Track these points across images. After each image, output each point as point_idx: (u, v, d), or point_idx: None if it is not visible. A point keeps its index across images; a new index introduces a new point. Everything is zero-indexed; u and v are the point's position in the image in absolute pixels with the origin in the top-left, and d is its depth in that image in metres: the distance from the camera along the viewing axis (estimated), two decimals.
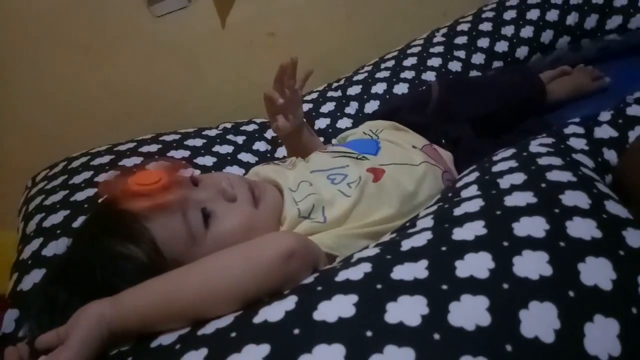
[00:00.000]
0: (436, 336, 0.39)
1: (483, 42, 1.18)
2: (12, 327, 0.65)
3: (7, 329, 0.65)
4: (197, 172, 0.90)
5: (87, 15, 1.16)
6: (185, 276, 0.48)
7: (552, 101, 1.06)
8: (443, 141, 0.87)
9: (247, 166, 0.96)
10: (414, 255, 0.48)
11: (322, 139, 1.05)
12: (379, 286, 0.44)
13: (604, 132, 0.72)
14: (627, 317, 0.41)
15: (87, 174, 0.88)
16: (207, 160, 0.94)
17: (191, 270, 0.49)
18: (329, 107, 1.11)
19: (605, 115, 0.76)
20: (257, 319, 0.43)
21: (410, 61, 1.17)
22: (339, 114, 1.09)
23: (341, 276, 0.47)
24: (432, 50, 1.19)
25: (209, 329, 0.44)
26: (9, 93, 1.18)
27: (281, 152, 0.99)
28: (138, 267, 0.53)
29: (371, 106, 1.09)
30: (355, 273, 0.47)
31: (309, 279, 0.49)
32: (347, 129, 1.05)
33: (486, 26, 1.21)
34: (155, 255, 0.54)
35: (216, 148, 0.98)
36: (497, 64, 1.17)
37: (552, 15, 1.18)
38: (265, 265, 0.47)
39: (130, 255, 0.53)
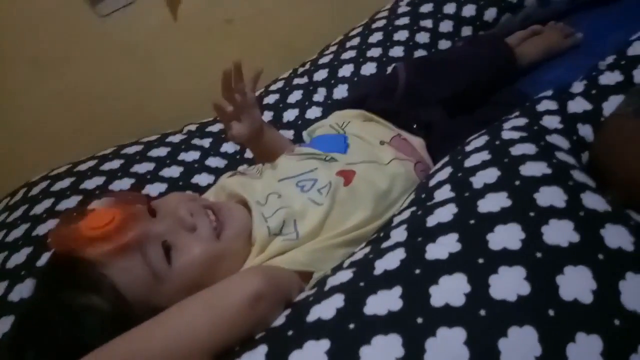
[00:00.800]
0: None
1: (449, 8, 1.13)
2: None
3: None
4: (164, 186, 0.86)
5: (29, 26, 1.08)
6: (148, 335, 0.46)
7: (525, 64, 1.03)
8: (414, 126, 0.83)
9: (216, 172, 0.92)
10: (387, 281, 0.46)
11: (292, 131, 1.01)
12: (351, 326, 0.42)
13: (577, 105, 0.69)
14: (610, 332, 0.40)
15: (47, 203, 0.84)
16: (174, 171, 0.90)
17: (154, 328, 0.46)
18: (296, 96, 1.06)
19: (578, 86, 0.73)
20: None
21: (375, 37, 1.12)
22: (307, 102, 1.05)
23: (313, 314, 0.45)
24: (397, 22, 1.13)
25: None
26: None
27: (251, 152, 0.95)
28: (102, 317, 0.50)
29: (339, 91, 1.05)
30: (328, 309, 0.44)
31: (281, 319, 0.46)
32: (316, 119, 1.01)
33: None
34: (119, 302, 0.51)
35: (182, 156, 0.94)
36: (466, 30, 1.12)
37: None
38: (231, 315, 0.45)
39: (92, 306, 0.50)
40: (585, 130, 0.66)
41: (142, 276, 0.53)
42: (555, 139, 0.63)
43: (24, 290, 0.69)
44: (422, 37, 1.10)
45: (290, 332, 0.43)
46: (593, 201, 0.50)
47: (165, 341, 0.45)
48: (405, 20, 1.13)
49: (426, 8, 1.14)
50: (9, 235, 0.80)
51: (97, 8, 1.12)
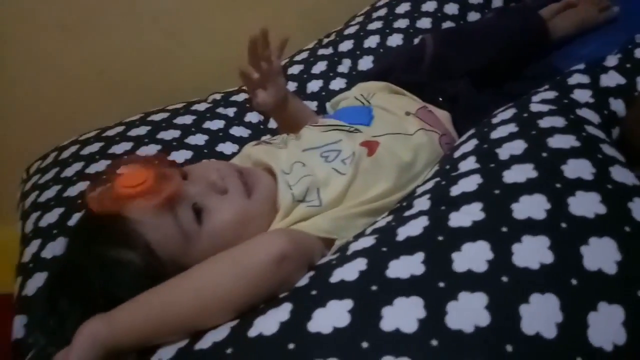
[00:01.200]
0: (434, 342, 0.38)
1: None
2: (22, 333, 0.66)
3: (17, 335, 0.66)
4: (190, 153, 0.88)
5: None
6: (178, 289, 0.48)
7: (557, 37, 1.00)
8: (440, 99, 0.82)
9: (240, 141, 0.93)
10: (410, 246, 0.47)
11: (315, 102, 1.01)
12: (374, 288, 0.43)
13: (610, 79, 0.68)
14: (632, 302, 0.40)
15: (78, 166, 0.86)
16: (199, 139, 0.91)
17: (183, 282, 0.48)
18: (320, 67, 1.06)
19: (612, 60, 0.71)
20: (252, 332, 0.42)
21: (403, 7, 1.10)
22: (331, 74, 1.04)
23: (336, 276, 0.46)
24: None
25: (206, 342, 0.44)
26: None
27: (275, 123, 0.95)
28: (135, 272, 0.52)
29: (365, 62, 1.04)
30: (350, 272, 0.45)
31: (304, 280, 0.48)
32: (340, 90, 1.00)
33: None
34: (151, 258, 0.53)
35: (207, 124, 0.95)
36: (496, 1, 1.10)
37: None
38: (257, 272, 0.46)
39: (126, 260, 0.52)
40: (617, 105, 0.65)
41: (173, 235, 0.54)
42: (585, 113, 0.62)
43: (56, 248, 0.72)
44: (451, 9, 1.08)
45: (314, 292, 0.44)
46: (622, 175, 0.50)
47: (193, 295, 0.46)
48: None
49: None
50: (41, 196, 0.83)
51: None
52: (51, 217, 0.77)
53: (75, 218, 0.75)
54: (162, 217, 0.54)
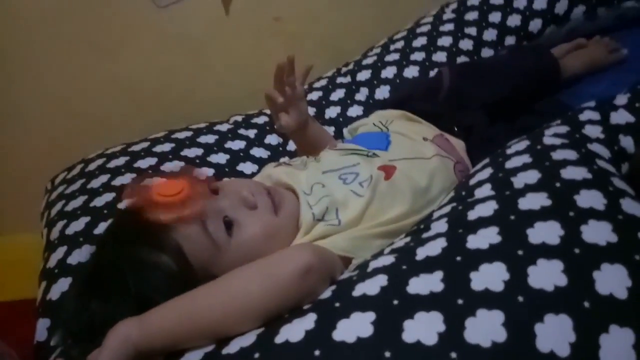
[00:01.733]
0: (453, 355, 0.40)
1: (495, 17, 1.15)
2: (45, 336, 0.68)
3: (40, 338, 0.68)
4: (211, 171, 0.91)
5: (90, 11, 1.15)
6: (208, 295, 0.50)
7: (568, 76, 1.04)
8: (455, 129, 0.86)
9: (259, 162, 0.96)
10: (429, 265, 0.49)
11: (333, 128, 1.05)
12: (395, 302, 0.45)
13: (620, 117, 0.70)
14: None
15: (104, 178, 0.90)
16: (220, 158, 0.95)
17: (214, 289, 0.51)
18: (338, 94, 1.10)
19: (621, 99, 0.74)
20: (279, 339, 0.44)
21: (419, 41, 1.14)
22: (349, 101, 1.08)
23: (358, 290, 0.48)
24: (441, 28, 1.15)
25: (233, 347, 0.46)
26: (18, 94, 1.19)
27: (293, 145, 0.99)
28: (169, 275, 0.54)
29: (382, 92, 1.08)
30: (372, 287, 0.48)
31: (327, 293, 0.50)
32: (357, 117, 1.04)
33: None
34: (183, 264, 0.56)
35: (228, 144, 0.99)
36: (509, 39, 1.14)
37: None
38: (284, 283, 0.49)
39: (161, 263, 0.55)
40: (627, 142, 0.67)
41: (205, 244, 0.57)
42: (596, 148, 0.65)
43: (81, 254, 0.75)
44: (466, 44, 1.12)
45: (337, 304, 0.47)
46: (632, 207, 0.52)
47: (221, 302, 0.49)
48: (449, 27, 1.15)
49: (471, 16, 1.16)
50: (67, 205, 0.86)
51: (155, 0, 1.18)
52: (77, 225, 0.80)
53: (102, 227, 0.78)
54: (195, 226, 0.57)
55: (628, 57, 1.05)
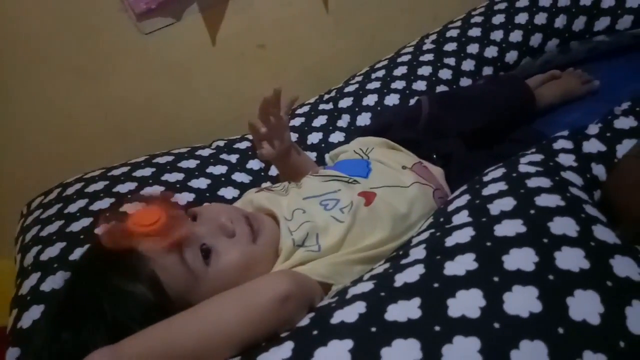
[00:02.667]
0: None
1: (472, 48, 1.19)
2: None
3: None
4: (192, 196, 0.91)
5: (76, 36, 1.15)
6: (184, 323, 0.49)
7: (542, 106, 1.07)
8: (434, 157, 0.87)
9: (241, 187, 0.96)
10: (407, 292, 0.49)
11: (315, 154, 1.06)
12: (373, 329, 0.45)
13: (592, 146, 0.73)
14: (615, 352, 0.42)
15: (82, 202, 0.88)
16: (201, 183, 0.95)
17: (190, 317, 0.50)
18: (321, 120, 1.11)
19: (593, 128, 0.76)
20: None
21: (400, 70, 1.17)
22: (331, 127, 1.09)
23: (336, 317, 0.48)
24: (422, 58, 1.19)
25: None
26: (3, 116, 1.18)
27: (275, 170, 0.99)
28: (144, 305, 0.53)
29: (363, 119, 1.10)
30: (350, 314, 0.48)
31: (305, 320, 0.50)
32: (339, 143, 1.05)
33: (475, 32, 1.21)
34: (160, 293, 0.55)
35: (210, 169, 0.99)
36: (487, 69, 1.18)
37: (541, 18, 1.18)
38: (262, 311, 0.48)
39: (137, 293, 0.54)
40: (599, 170, 0.69)
41: (182, 274, 0.57)
42: (569, 176, 0.66)
43: (55, 281, 0.73)
44: (445, 74, 1.15)
45: (315, 332, 0.46)
46: (603, 234, 0.53)
47: (198, 330, 0.48)
48: (429, 57, 1.18)
49: (450, 47, 1.20)
50: (43, 230, 0.85)
51: (142, 25, 1.19)
52: (53, 251, 0.79)
53: (77, 253, 0.77)
54: (172, 256, 0.56)
55: (600, 88, 1.09)
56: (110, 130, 1.26)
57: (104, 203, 0.87)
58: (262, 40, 1.32)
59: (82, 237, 0.80)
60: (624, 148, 0.71)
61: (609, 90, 1.08)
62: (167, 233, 0.55)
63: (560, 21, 1.17)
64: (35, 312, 0.70)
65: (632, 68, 1.10)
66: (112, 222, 0.57)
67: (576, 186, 0.64)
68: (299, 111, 1.16)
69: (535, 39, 1.18)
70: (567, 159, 0.70)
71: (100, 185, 0.93)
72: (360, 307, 0.48)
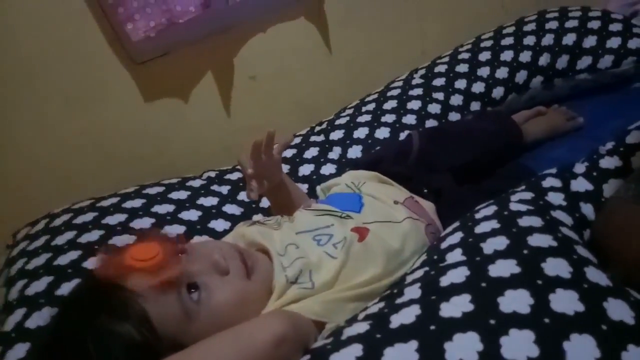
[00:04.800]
0: None
1: (460, 84, 1.22)
2: None
3: None
4: (182, 228, 0.90)
5: (66, 63, 1.15)
6: None
7: (529, 141, 1.10)
8: (425, 191, 0.88)
9: (232, 219, 0.95)
10: (403, 334, 0.49)
11: (306, 185, 1.06)
12: None
13: (580, 185, 0.74)
14: None
15: (70, 234, 0.87)
16: (192, 215, 0.94)
17: None
18: (312, 152, 1.12)
19: (580, 167, 0.78)
20: None
21: (390, 104, 1.19)
22: (322, 159, 1.10)
23: None
24: (411, 92, 1.21)
25: None
26: None
27: (267, 202, 0.99)
28: (131, 346, 0.52)
29: (354, 151, 1.11)
30: (347, 357, 0.47)
31: None
32: (330, 175, 1.06)
33: (463, 67, 1.25)
34: (150, 334, 0.53)
35: (201, 200, 0.98)
36: (475, 104, 1.21)
37: (525, 56, 1.23)
38: (256, 354, 0.48)
39: (124, 333, 0.52)
40: (587, 209, 0.71)
41: (175, 312, 0.55)
42: (559, 215, 0.68)
43: (42, 317, 0.71)
44: (434, 108, 1.18)
45: None
46: (596, 275, 0.54)
47: None
48: (418, 91, 1.21)
49: (439, 82, 1.23)
50: (29, 263, 0.83)
51: (133, 55, 1.20)
52: (39, 285, 0.77)
53: (65, 287, 0.75)
54: (166, 293, 0.55)
55: (584, 125, 1.12)
56: (98, 159, 1.25)
57: (93, 235, 0.86)
58: (254, 71, 1.33)
59: (69, 270, 0.78)
60: (610, 187, 0.72)
61: (592, 127, 1.11)
62: (165, 269, 0.54)
63: (544, 59, 1.22)
64: (20, 350, 0.68)
65: (613, 105, 1.14)
66: (108, 255, 0.56)
67: (566, 226, 0.65)
68: (291, 142, 1.17)
69: (521, 76, 1.22)
70: (556, 198, 0.71)
71: (89, 217, 0.91)
72: (357, 350, 0.48)
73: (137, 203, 0.95)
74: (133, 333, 0.52)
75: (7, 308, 0.76)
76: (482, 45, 1.29)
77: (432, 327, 0.49)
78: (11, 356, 0.67)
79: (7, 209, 1.16)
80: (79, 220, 0.91)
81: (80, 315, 0.55)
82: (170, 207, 0.95)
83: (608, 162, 0.76)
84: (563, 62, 1.21)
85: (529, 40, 1.24)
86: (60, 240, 0.86)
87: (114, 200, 0.96)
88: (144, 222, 0.89)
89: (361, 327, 0.53)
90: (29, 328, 0.71)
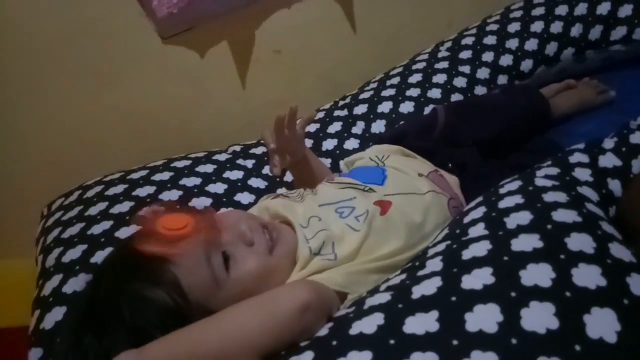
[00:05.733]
0: None
1: (487, 57, 1.19)
2: None
3: None
4: (209, 201, 0.92)
5: (94, 40, 1.18)
6: (206, 331, 0.51)
7: (557, 115, 1.07)
8: (450, 165, 0.88)
9: (257, 192, 0.97)
10: (424, 305, 0.50)
11: (329, 160, 1.07)
12: (392, 341, 0.46)
13: (608, 161, 0.72)
14: None
15: (102, 205, 0.90)
16: (218, 188, 0.96)
17: (211, 325, 0.51)
18: (335, 127, 1.12)
19: (609, 142, 0.76)
20: None
21: (415, 78, 1.18)
22: (345, 134, 1.10)
23: (355, 328, 0.49)
24: (436, 66, 1.19)
25: None
26: (21, 120, 1.21)
27: (290, 176, 1.00)
28: (163, 310, 0.55)
29: (377, 126, 1.10)
30: (369, 325, 0.49)
31: (324, 330, 0.51)
32: (354, 150, 1.06)
33: (490, 39, 1.21)
34: (181, 299, 0.56)
35: (226, 174, 1.00)
36: (502, 78, 1.18)
37: (556, 27, 1.18)
38: (282, 320, 0.49)
39: (156, 299, 0.55)
40: (614, 185, 0.69)
41: (205, 279, 0.58)
42: (585, 191, 0.67)
43: (77, 283, 0.75)
44: (460, 82, 1.16)
45: (334, 342, 0.47)
46: (620, 251, 0.54)
47: (219, 338, 0.49)
48: (444, 65, 1.19)
49: (465, 55, 1.20)
50: (64, 232, 0.86)
51: (160, 30, 1.21)
52: (74, 253, 0.80)
53: (98, 256, 0.78)
54: (197, 261, 0.57)
55: (615, 99, 1.09)
56: (126, 133, 1.28)
57: (124, 206, 0.89)
58: (278, 45, 1.33)
59: (102, 239, 0.82)
60: (639, 163, 0.71)
61: (624, 101, 1.08)
62: (195, 238, 0.57)
63: (576, 30, 1.17)
64: (57, 313, 0.72)
65: None
66: (140, 225, 0.59)
67: (592, 202, 0.64)
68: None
69: (551, 48, 1.18)
70: (583, 174, 0.70)
71: (119, 189, 0.94)
72: (378, 318, 0.49)
73: (165, 176, 0.97)
74: (165, 298, 0.54)
75: (45, 274, 0.80)
76: (511, 16, 1.24)
77: (453, 298, 0.50)
78: (49, 318, 0.72)
79: (41, 182, 1.21)
80: (110, 192, 0.94)
81: (115, 281, 0.58)
82: (197, 180, 0.97)
83: (638, 137, 0.74)
84: (596, 32, 1.16)
85: (561, 10, 1.19)
86: (93, 210, 0.89)
87: (143, 173, 0.99)
88: (172, 195, 0.92)
89: (383, 298, 0.54)
90: (66, 293, 0.74)
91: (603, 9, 1.16)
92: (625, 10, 1.15)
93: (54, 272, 0.79)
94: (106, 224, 0.85)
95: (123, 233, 0.81)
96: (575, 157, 0.74)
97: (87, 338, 0.54)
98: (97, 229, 0.84)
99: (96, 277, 0.63)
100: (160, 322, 0.53)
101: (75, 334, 0.56)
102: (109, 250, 0.79)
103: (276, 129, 0.78)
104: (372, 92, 1.19)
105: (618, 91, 1.09)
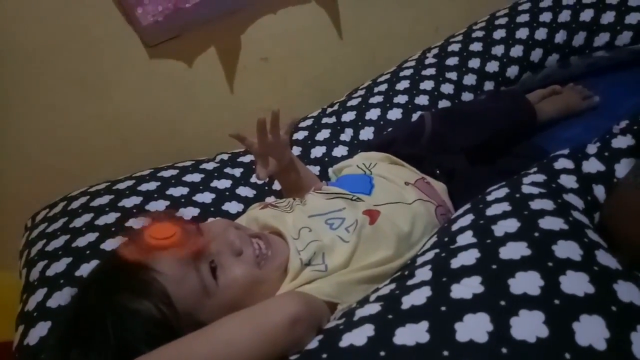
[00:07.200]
0: None
1: (474, 63, 1.20)
2: None
3: None
4: (197, 210, 0.91)
5: (80, 48, 1.16)
6: (195, 344, 0.50)
7: (543, 120, 1.08)
8: (437, 172, 0.88)
9: (245, 201, 0.96)
10: (415, 315, 0.50)
11: (318, 167, 1.07)
12: (382, 353, 0.45)
13: (591, 166, 0.73)
14: None
15: (87, 217, 0.89)
16: (206, 197, 0.95)
17: (200, 338, 0.50)
18: (324, 134, 1.12)
19: (592, 148, 0.77)
20: None
21: (402, 85, 1.18)
22: (334, 141, 1.10)
23: (345, 340, 0.48)
24: (424, 72, 1.20)
25: None
26: (5, 128, 1.18)
27: (278, 184, 0.99)
28: (151, 323, 0.54)
29: (366, 133, 1.10)
30: (359, 337, 0.48)
31: (314, 343, 0.50)
32: (342, 157, 1.06)
33: (476, 46, 1.23)
34: (169, 310, 0.55)
35: (214, 183, 0.99)
36: (488, 84, 1.19)
37: (541, 33, 1.20)
38: (272, 333, 0.49)
39: (143, 310, 0.54)
40: (599, 190, 0.70)
41: (194, 289, 0.57)
42: (571, 199, 0.67)
43: (62, 297, 0.73)
44: (447, 88, 1.17)
45: (324, 355, 0.47)
46: (606, 259, 0.54)
47: (208, 352, 0.49)
48: (431, 71, 1.20)
49: (452, 61, 1.21)
50: (48, 245, 0.85)
51: (145, 39, 1.20)
52: (59, 266, 0.79)
53: (84, 268, 0.77)
54: (185, 270, 0.57)
55: (600, 104, 1.10)
56: (112, 142, 1.26)
57: (110, 217, 0.88)
58: (265, 53, 1.33)
59: (88, 252, 0.80)
60: (622, 167, 0.71)
61: (608, 106, 1.09)
62: (183, 247, 0.56)
63: (560, 36, 1.19)
64: (42, 328, 0.70)
65: (631, 83, 1.12)
66: (126, 236, 0.58)
67: (578, 210, 0.64)
68: (303, 124, 1.17)
69: (536, 54, 1.20)
70: (568, 181, 0.70)
71: (105, 199, 0.93)
72: (368, 330, 0.49)
73: (152, 186, 0.96)
74: (152, 310, 0.53)
75: (29, 288, 0.79)
76: (496, 22, 1.26)
77: (443, 308, 0.50)
78: (34, 334, 0.70)
79: (25, 192, 1.19)
80: (96, 202, 0.92)
81: (100, 293, 0.57)
82: (184, 190, 0.96)
83: (620, 142, 0.75)
84: (580, 39, 1.18)
85: (545, 16, 1.21)
86: (78, 222, 0.88)
87: (130, 183, 0.98)
88: (159, 205, 0.91)
89: (373, 308, 0.54)
90: (50, 307, 0.73)
91: (586, 15, 1.18)
92: (608, 17, 1.17)
93: (38, 286, 0.77)
94: (91, 236, 0.83)
95: (109, 245, 0.80)
96: (561, 163, 0.75)
97: (72, 354, 0.53)
98: (82, 242, 0.83)
99: (81, 290, 0.61)
100: (148, 335, 0.52)
101: (60, 350, 0.55)
102: (94, 263, 0.77)
103: (258, 133, 0.78)
104: (360, 99, 1.19)
105: (602, 96, 1.11)
